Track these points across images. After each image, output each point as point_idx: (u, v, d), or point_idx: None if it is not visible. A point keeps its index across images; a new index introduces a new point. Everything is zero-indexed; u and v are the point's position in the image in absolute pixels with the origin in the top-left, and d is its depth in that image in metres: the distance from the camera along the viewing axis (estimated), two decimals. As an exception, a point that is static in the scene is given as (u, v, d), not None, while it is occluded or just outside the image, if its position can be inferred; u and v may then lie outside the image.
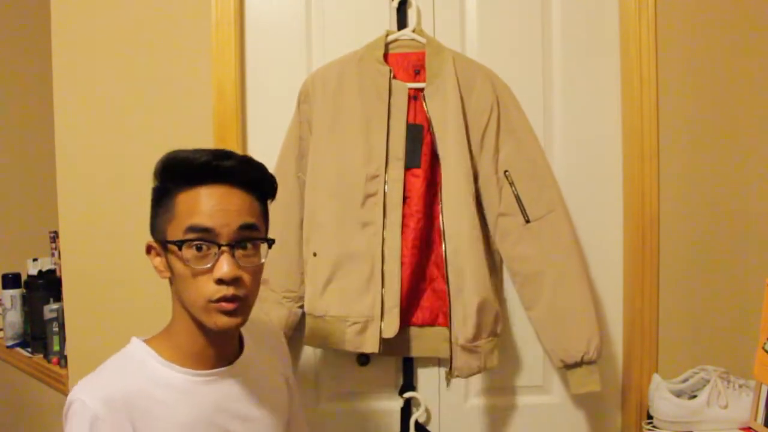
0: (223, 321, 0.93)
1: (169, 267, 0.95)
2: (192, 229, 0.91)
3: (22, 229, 2.29)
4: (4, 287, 1.90)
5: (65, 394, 1.58)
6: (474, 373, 1.38)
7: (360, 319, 1.38)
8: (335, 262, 1.39)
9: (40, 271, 1.86)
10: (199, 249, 0.91)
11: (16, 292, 1.89)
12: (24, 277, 1.89)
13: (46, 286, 1.80)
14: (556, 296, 1.42)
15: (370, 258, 1.39)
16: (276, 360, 1.14)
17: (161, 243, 0.96)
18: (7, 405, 2.08)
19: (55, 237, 1.90)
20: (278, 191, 1.47)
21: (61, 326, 1.67)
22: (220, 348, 1.00)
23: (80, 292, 1.51)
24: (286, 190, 1.47)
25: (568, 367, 1.42)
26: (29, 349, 1.85)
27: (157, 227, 0.97)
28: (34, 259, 1.89)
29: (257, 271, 0.96)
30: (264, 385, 1.06)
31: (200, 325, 0.96)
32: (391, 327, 1.38)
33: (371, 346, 1.38)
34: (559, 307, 1.42)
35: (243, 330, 1.06)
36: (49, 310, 1.72)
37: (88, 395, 0.90)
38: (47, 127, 1.57)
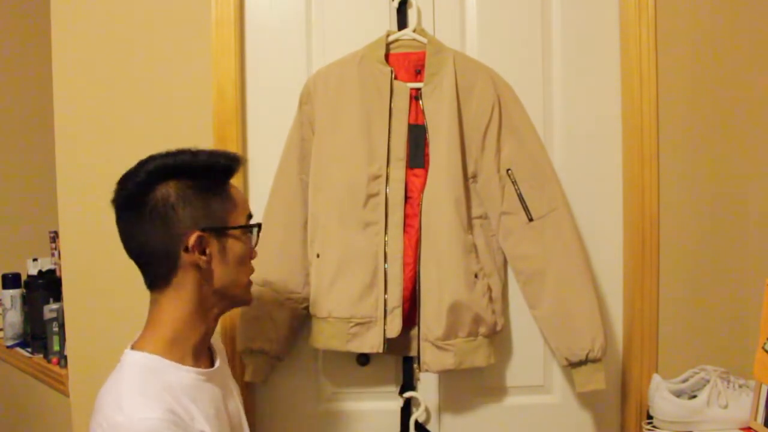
0: (251, 294, 1.10)
1: (219, 253, 1.01)
2: (250, 216, 1.08)
3: (22, 229, 2.29)
4: (4, 287, 1.90)
5: (65, 394, 1.58)
6: (448, 369, 1.38)
7: (363, 320, 1.38)
8: (338, 263, 1.39)
9: (40, 271, 1.86)
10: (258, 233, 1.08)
11: (16, 292, 1.89)
12: (24, 277, 1.89)
13: (46, 286, 1.80)
14: (560, 295, 1.42)
15: (372, 258, 1.39)
16: (225, 358, 1.20)
17: (220, 230, 1.01)
18: (7, 405, 2.08)
19: (55, 237, 1.90)
20: (281, 192, 1.49)
21: (61, 326, 1.67)
22: (208, 338, 1.07)
23: (80, 292, 1.51)
24: (289, 191, 1.47)
25: (573, 365, 1.42)
26: (29, 349, 1.84)
27: (211, 215, 1.00)
28: (34, 259, 1.89)
29: None
30: (232, 382, 1.16)
31: (203, 315, 1.02)
32: (394, 327, 1.38)
33: (375, 346, 1.38)
34: (562, 305, 1.42)
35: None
36: (49, 310, 1.71)
37: (150, 412, 0.88)
38: (47, 127, 1.57)
